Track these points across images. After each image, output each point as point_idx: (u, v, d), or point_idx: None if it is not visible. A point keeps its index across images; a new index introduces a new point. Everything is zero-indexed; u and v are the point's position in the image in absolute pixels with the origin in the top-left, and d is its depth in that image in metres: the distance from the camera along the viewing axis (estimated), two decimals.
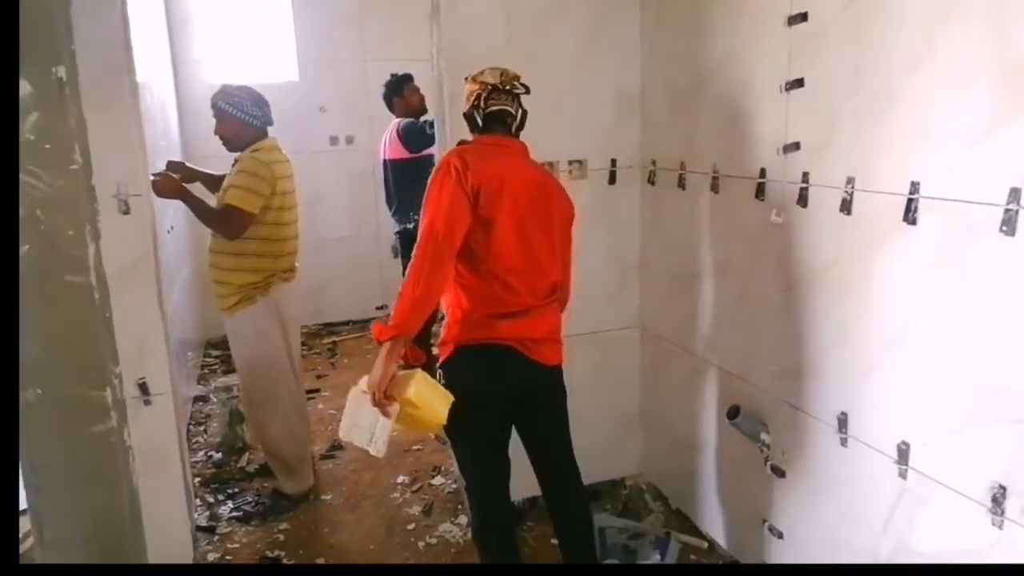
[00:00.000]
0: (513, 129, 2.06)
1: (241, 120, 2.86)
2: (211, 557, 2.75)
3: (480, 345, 1.99)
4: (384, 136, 4.29)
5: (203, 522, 2.95)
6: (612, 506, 2.94)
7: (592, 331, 2.87)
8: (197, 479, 3.27)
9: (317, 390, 4.33)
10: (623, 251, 2.90)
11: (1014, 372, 1.46)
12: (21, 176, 1.47)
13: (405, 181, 4.10)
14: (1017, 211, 1.41)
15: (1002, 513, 1.49)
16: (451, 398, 1.90)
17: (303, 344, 4.32)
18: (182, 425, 2.73)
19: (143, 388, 2.39)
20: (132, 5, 2.35)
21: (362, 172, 5.40)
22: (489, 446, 2.06)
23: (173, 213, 3.83)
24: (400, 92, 4.24)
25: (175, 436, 2.50)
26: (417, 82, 4.24)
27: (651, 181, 2.79)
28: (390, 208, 4.34)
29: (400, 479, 3.28)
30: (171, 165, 3.02)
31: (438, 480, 3.25)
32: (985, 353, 1.52)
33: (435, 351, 2.32)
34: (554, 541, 2.45)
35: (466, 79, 2.08)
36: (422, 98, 4.21)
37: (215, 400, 4.02)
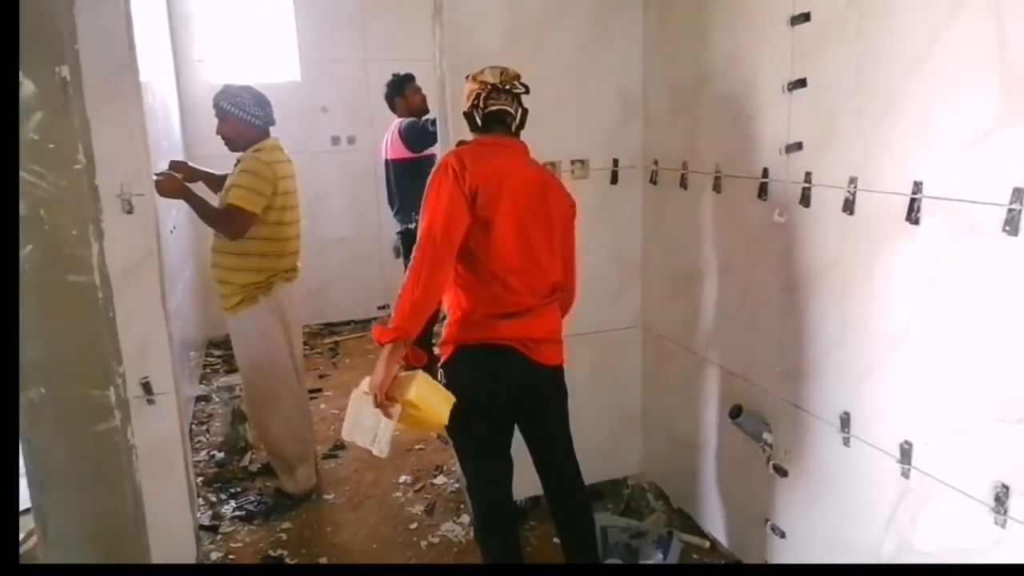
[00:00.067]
0: (513, 129, 2.05)
1: (243, 120, 2.87)
2: (214, 556, 2.76)
3: (480, 345, 1.99)
4: (386, 136, 4.29)
5: (206, 521, 2.95)
6: (614, 505, 2.94)
7: (594, 331, 2.87)
8: (200, 478, 3.27)
9: (319, 390, 4.34)
10: (625, 251, 2.90)
11: (1017, 371, 1.46)
12: (24, 176, 1.47)
13: (407, 181, 4.10)
14: (1020, 211, 1.41)
15: (1005, 512, 1.49)
16: (452, 399, 1.90)
17: (305, 344, 4.33)
18: (185, 424, 2.74)
19: (146, 387, 2.39)
20: (134, 5, 2.35)
21: (364, 172, 5.41)
22: (490, 446, 2.06)
23: (176, 213, 3.83)
24: (402, 92, 4.23)
25: (178, 435, 2.51)
26: (419, 82, 4.24)
27: (653, 181, 2.79)
28: (392, 208, 4.33)
29: (402, 478, 3.28)
30: (174, 165, 3.03)
31: (440, 479, 3.25)
32: (988, 352, 1.52)
33: (437, 351, 2.32)
34: (556, 540, 2.45)
35: (466, 78, 2.08)
36: (424, 98, 4.21)
37: (217, 400, 4.03)
